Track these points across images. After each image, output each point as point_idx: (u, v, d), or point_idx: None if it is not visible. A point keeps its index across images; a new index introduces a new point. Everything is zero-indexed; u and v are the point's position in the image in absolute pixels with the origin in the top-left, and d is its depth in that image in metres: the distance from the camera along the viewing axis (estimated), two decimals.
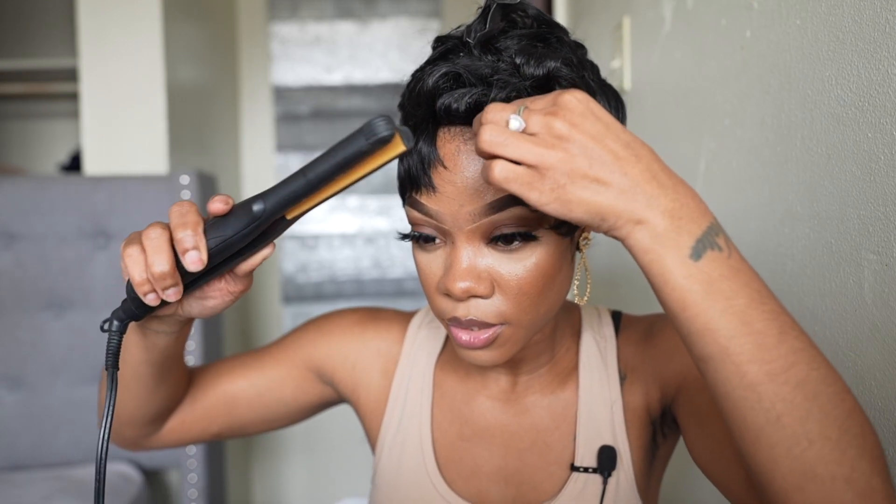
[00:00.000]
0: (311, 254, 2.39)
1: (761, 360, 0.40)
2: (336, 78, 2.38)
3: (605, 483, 0.60)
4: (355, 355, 0.71)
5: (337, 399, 0.75)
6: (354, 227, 2.40)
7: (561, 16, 1.65)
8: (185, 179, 1.41)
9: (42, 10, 2.18)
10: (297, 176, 0.44)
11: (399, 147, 0.43)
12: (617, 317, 0.68)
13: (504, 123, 0.42)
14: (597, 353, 0.64)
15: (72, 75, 1.85)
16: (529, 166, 0.41)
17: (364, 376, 0.71)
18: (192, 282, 0.50)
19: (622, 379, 0.63)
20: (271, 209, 0.45)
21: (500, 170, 0.41)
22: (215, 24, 2.12)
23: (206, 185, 1.48)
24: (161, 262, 0.46)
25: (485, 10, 0.51)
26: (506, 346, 0.54)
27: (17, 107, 2.21)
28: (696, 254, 0.41)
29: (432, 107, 0.49)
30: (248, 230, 0.46)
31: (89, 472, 1.39)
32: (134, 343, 0.59)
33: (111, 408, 0.50)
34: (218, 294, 0.53)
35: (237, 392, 0.71)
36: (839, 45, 0.58)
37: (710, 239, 0.41)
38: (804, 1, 0.64)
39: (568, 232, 0.51)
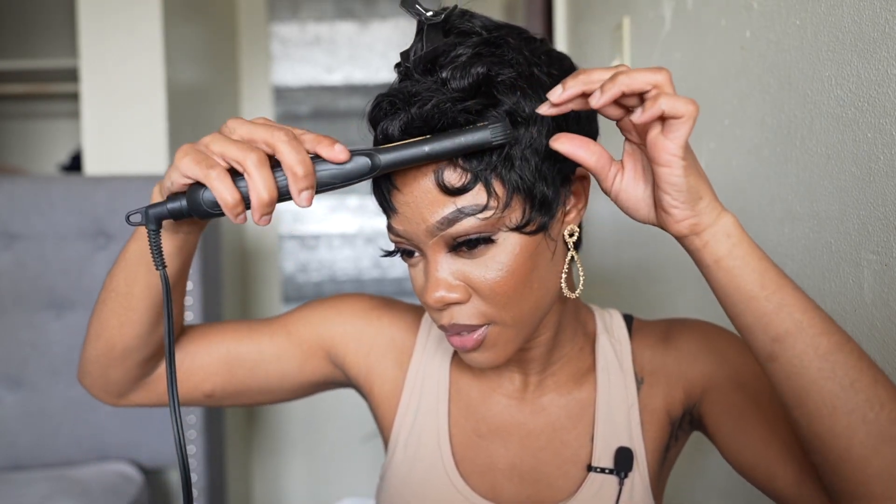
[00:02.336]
0: (311, 254, 2.39)
1: (829, 332, 0.45)
2: (336, 78, 2.38)
3: (621, 484, 0.60)
4: (371, 341, 0.70)
5: (342, 381, 0.73)
6: (354, 227, 2.40)
7: (561, 16, 1.66)
8: None
9: (42, 11, 2.18)
10: (419, 144, 0.47)
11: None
12: (628, 320, 0.68)
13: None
14: (613, 355, 0.65)
15: (72, 75, 1.85)
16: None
17: (378, 364, 0.70)
18: None
19: (639, 383, 0.64)
20: (385, 166, 0.47)
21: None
22: (215, 24, 2.12)
23: None
24: (269, 189, 0.44)
25: (419, 32, 0.52)
26: (499, 346, 0.55)
27: (17, 107, 2.21)
28: (759, 246, 0.47)
29: (377, 135, 0.52)
30: (356, 180, 0.47)
31: (89, 471, 1.39)
32: (176, 241, 0.55)
33: (169, 309, 0.49)
34: None
35: (241, 353, 0.67)
36: (839, 45, 0.59)
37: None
38: (804, 1, 0.64)
39: (536, 230, 0.52)
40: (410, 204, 0.51)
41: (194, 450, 1.43)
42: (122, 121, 1.60)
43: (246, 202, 0.46)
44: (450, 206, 0.49)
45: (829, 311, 0.61)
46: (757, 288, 0.45)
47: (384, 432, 0.70)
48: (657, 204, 0.47)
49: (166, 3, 1.63)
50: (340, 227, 2.40)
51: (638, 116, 0.43)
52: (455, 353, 0.69)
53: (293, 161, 0.44)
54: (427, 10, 0.52)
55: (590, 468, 0.62)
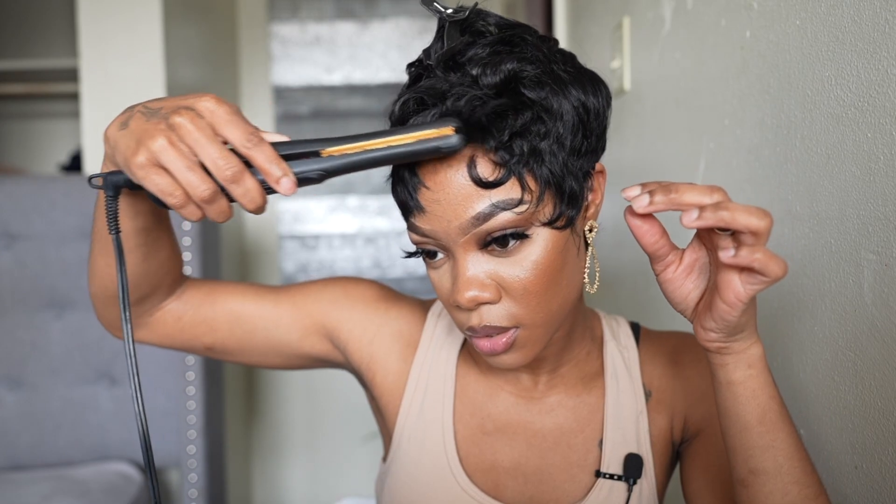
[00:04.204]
0: (311, 254, 2.39)
1: (803, 483, 0.48)
2: (336, 78, 2.38)
3: (629, 491, 0.61)
4: (375, 330, 0.69)
5: (340, 363, 0.72)
6: (354, 227, 2.40)
7: (561, 16, 1.65)
8: None
9: (42, 11, 2.18)
10: (372, 151, 0.47)
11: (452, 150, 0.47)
12: (635, 328, 0.69)
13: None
14: (621, 362, 0.65)
15: (72, 75, 1.85)
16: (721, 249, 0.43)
17: (382, 354, 0.69)
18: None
19: (647, 395, 0.65)
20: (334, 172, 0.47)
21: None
22: (215, 24, 2.12)
23: None
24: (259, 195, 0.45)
25: (440, 30, 0.52)
26: (527, 347, 0.55)
27: (17, 107, 2.21)
28: (774, 382, 0.49)
29: None
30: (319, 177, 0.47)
31: (89, 471, 1.39)
32: (122, 209, 0.55)
33: (124, 276, 0.49)
34: None
35: (245, 313, 0.68)
36: (839, 45, 0.59)
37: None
38: (804, 1, 0.64)
39: (566, 224, 0.52)
40: (441, 201, 0.50)
41: (194, 450, 1.43)
42: None
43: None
44: (484, 201, 0.49)
45: (829, 311, 0.61)
46: (755, 421, 0.48)
47: (387, 425, 0.70)
48: (699, 314, 0.49)
49: (166, 3, 1.63)
50: (340, 227, 2.40)
51: (728, 257, 0.42)
52: (462, 349, 0.69)
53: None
54: (447, 8, 0.52)
55: (598, 474, 0.62)
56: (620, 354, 0.66)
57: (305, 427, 2.40)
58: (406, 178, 0.51)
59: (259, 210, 0.46)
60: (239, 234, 2.32)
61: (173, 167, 0.43)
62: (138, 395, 0.50)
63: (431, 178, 0.50)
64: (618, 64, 1.20)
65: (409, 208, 0.52)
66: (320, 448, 2.42)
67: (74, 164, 2.05)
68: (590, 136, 0.53)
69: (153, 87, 1.60)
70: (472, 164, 0.49)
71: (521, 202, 0.49)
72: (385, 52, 2.39)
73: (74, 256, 1.43)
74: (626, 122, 1.18)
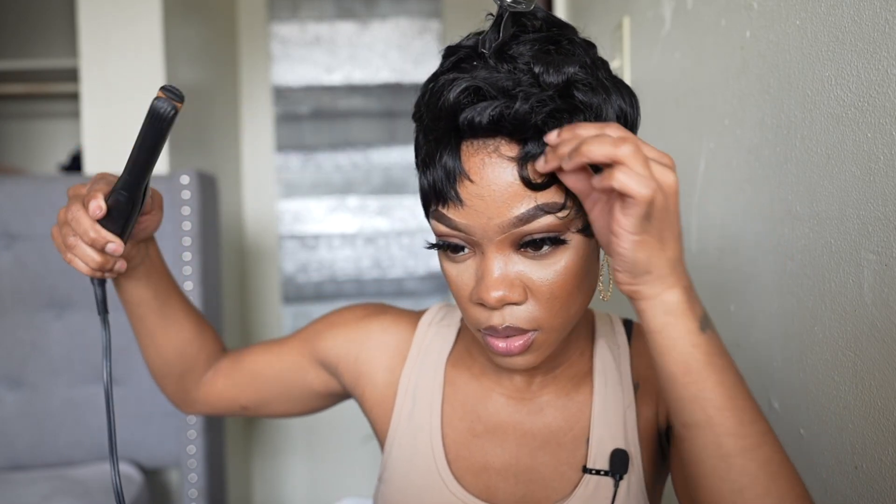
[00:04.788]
0: (311, 254, 2.39)
1: (738, 434, 0.45)
2: (336, 78, 2.38)
3: (616, 486, 0.60)
4: (358, 348, 0.72)
5: (342, 391, 0.76)
6: (354, 227, 2.40)
7: (561, 16, 1.66)
8: (185, 179, 1.41)
9: (42, 11, 2.18)
10: (134, 164, 0.56)
11: (180, 105, 0.53)
12: (629, 325, 0.68)
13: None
14: (611, 360, 0.65)
15: (72, 75, 1.85)
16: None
17: (368, 369, 0.71)
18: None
19: (635, 387, 0.64)
20: (133, 196, 0.58)
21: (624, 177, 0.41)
22: (215, 24, 2.12)
23: (206, 185, 1.48)
24: (93, 259, 0.60)
25: (497, 19, 0.51)
26: (541, 350, 0.55)
27: (17, 107, 2.21)
28: (703, 327, 0.46)
29: (454, 121, 0.49)
30: (129, 217, 0.59)
31: (89, 471, 1.39)
32: (122, 291, 0.70)
33: (109, 349, 0.62)
34: (137, 227, 0.64)
35: (263, 368, 0.76)
36: (839, 45, 0.59)
37: (708, 318, 0.47)
38: (804, 1, 0.64)
39: (592, 233, 0.52)
40: (486, 197, 0.49)
41: (194, 450, 1.43)
42: (122, 121, 1.60)
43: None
44: (529, 202, 0.49)
45: (828, 311, 0.61)
46: (679, 373, 0.46)
47: (380, 436, 0.71)
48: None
49: (166, 3, 1.63)
50: (340, 227, 2.40)
51: (597, 182, 0.43)
52: (451, 353, 0.69)
53: (87, 241, 0.59)
54: None
55: (585, 469, 0.62)
56: (610, 351, 0.66)
57: (305, 427, 2.40)
58: (449, 167, 0.50)
59: (94, 271, 0.61)
60: (239, 234, 2.32)
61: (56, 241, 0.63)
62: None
63: (478, 173, 0.49)
64: (618, 64, 1.20)
65: (443, 199, 0.51)
66: (320, 448, 2.42)
67: (74, 164, 2.05)
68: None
69: (153, 87, 1.60)
70: (522, 165, 0.48)
71: (563, 207, 0.49)
72: (385, 52, 2.39)
73: None
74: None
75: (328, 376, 0.74)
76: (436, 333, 0.71)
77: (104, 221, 0.59)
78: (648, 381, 0.64)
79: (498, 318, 0.52)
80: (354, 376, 0.72)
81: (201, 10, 1.95)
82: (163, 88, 0.52)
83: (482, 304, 0.52)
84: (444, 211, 0.51)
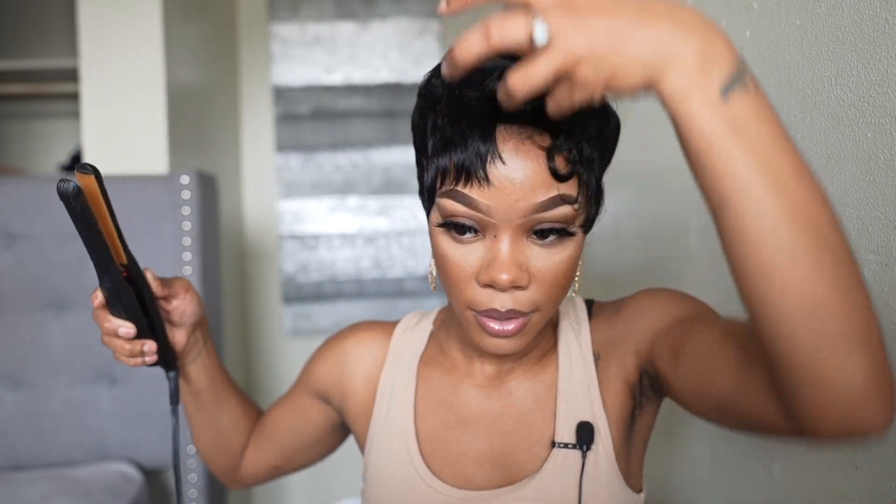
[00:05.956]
0: (311, 254, 2.39)
1: (778, 201, 0.39)
2: (336, 78, 2.38)
3: (584, 457, 0.62)
4: (339, 370, 0.75)
5: (341, 419, 0.78)
6: (354, 227, 2.40)
7: None
8: (185, 179, 1.41)
9: (42, 11, 2.18)
10: (89, 251, 0.57)
11: (91, 178, 0.54)
12: (590, 304, 0.71)
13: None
14: (573, 336, 0.67)
15: (72, 75, 1.85)
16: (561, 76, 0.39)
17: (349, 385, 0.74)
18: (153, 329, 0.67)
19: (596, 359, 0.66)
20: (114, 280, 0.60)
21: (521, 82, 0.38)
22: (215, 24, 2.12)
23: (206, 185, 1.48)
24: (120, 346, 0.65)
25: None
26: (529, 334, 0.58)
27: (17, 107, 2.21)
28: (724, 95, 0.39)
29: (494, 104, 0.49)
30: (127, 297, 0.62)
31: (89, 471, 1.39)
32: (186, 381, 0.75)
33: (177, 438, 0.70)
34: (174, 313, 0.69)
35: (276, 424, 0.80)
36: (839, 45, 0.59)
37: (738, 78, 0.39)
38: (804, 1, 0.64)
39: (590, 227, 0.57)
40: (515, 180, 0.51)
41: (194, 450, 1.43)
42: (122, 121, 1.60)
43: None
44: (552, 191, 0.52)
45: None
46: (703, 148, 0.40)
47: (361, 444, 0.74)
48: None
49: (166, 3, 1.63)
50: (340, 227, 2.40)
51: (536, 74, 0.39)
52: (423, 352, 0.72)
53: (125, 352, 0.66)
54: None
55: (553, 444, 0.63)
56: (572, 330, 0.68)
57: None
58: (482, 148, 0.50)
59: (128, 359, 0.66)
60: (239, 234, 2.32)
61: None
62: None
63: (512, 156, 0.51)
64: None
65: (468, 178, 0.51)
66: None
67: (74, 164, 2.05)
68: (613, 151, 0.58)
69: (153, 87, 1.60)
70: (550, 156, 0.51)
71: (576, 200, 0.52)
72: (385, 52, 2.39)
73: (74, 256, 1.43)
74: (626, 123, 1.18)
75: (325, 407, 0.77)
76: (410, 337, 0.74)
77: (115, 311, 0.63)
78: (608, 344, 0.65)
79: (500, 301, 0.54)
80: (341, 397, 0.75)
81: (201, 10, 1.95)
82: (77, 166, 0.53)
83: (490, 286, 0.54)
84: (465, 190, 0.52)
